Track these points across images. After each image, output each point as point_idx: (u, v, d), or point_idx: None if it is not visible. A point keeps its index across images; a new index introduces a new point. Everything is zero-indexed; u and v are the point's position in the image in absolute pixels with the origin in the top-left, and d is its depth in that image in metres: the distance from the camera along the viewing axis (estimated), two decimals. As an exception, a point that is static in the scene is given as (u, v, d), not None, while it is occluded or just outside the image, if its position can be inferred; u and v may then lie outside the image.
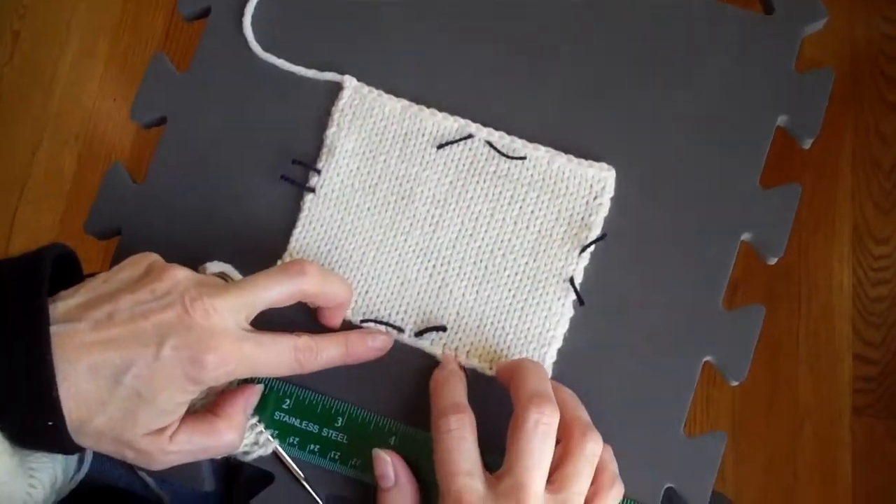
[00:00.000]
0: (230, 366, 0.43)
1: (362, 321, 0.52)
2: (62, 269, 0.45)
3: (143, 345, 0.41)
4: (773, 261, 0.53)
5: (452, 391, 0.47)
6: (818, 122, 0.54)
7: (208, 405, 0.48)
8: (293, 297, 0.46)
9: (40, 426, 0.40)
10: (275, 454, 0.50)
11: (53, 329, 0.40)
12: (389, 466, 0.47)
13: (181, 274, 0.44)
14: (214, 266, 0.50)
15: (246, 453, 0.50)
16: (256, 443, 0.50)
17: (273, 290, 0.45)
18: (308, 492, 0.50)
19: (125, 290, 0.43)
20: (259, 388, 0.50)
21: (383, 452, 0.48)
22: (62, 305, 0.42)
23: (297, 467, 0.50)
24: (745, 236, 0.52)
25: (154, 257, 0.46)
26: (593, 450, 0.45)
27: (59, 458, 0.45)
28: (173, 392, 0.42)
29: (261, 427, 0.50)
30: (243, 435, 0.48)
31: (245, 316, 0.45)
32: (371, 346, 0.50)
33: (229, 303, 0.43)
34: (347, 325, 0.52)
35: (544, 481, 0.44)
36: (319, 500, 0.50)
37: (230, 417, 0.47)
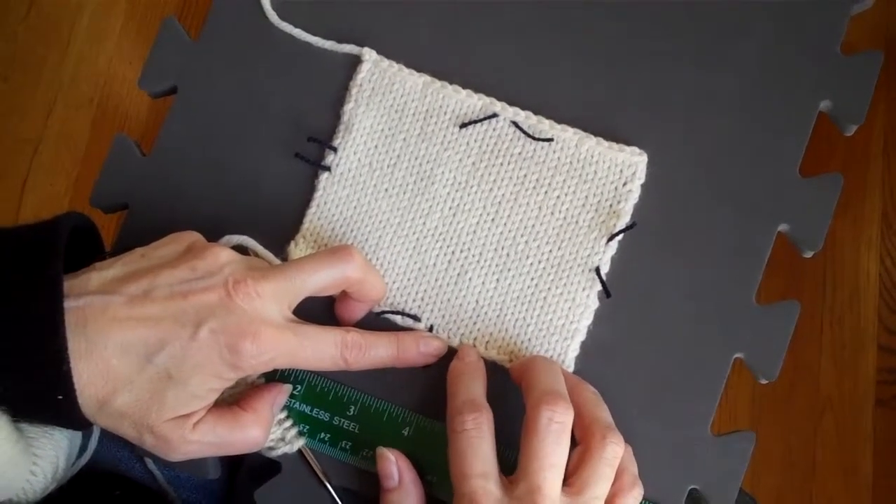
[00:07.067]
0: (269, 354, 0.42)
1: (381, 313, 0.50)
2: (81, 240, 0.44)
3: (181, 325, 0.40)
4: (809, 254, 0.51)
5: (469, 386, 0.46)
6: (864, 109, 0.52)
7: (235, 398, 0.46)
8: (337, 283, 0.45)
9: (50, 400, 0.39)
10: (300, 452, 0.49)
11: (85, 300, 0.39)
12: (394, 466, 0.46)
13: (224, 255, 0.43)
14: (233, 239, 0.48)
15: (271, 448, 0.48)
16: (283, 439, 0.48)
17: (321, 275, 0.44)
18: (329, 492, 0.48)
19: (165, 266, 0.42)
20: (288, 387, 0.48)
21: (388, 451, 0.47)
22: (97, 277, 0.41)
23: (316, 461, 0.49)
24: (782, 227, 0.51)
25: (196, 236, 0.45)
26: (614, 452, 0.44)
27: (63, 446, 0.44)
28: (206, 377, 0.41)
29: (289, 423, 0.48)
30: (268, 433, 0.46)
31: (288, 303, 0.44)
32: (423, 351, 0.48)
33: (274, 287, 0.42)
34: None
35: (560, 482, 0.43)
36: (339, 502, 0.48)
37: (257, 412, 0.45)
